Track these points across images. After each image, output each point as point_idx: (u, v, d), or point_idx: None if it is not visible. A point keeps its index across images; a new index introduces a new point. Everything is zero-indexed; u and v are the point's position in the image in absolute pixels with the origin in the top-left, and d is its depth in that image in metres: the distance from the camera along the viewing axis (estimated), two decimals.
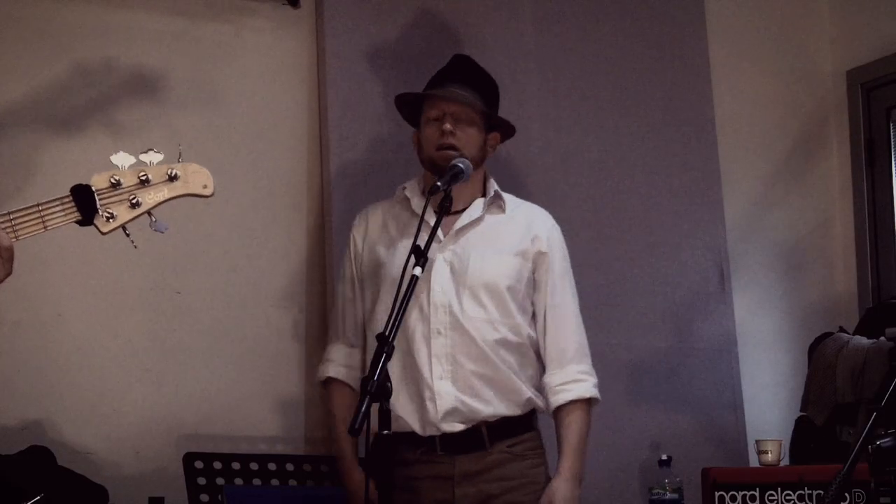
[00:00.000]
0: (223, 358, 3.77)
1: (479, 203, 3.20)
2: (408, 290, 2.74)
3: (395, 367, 3.09)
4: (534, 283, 3.18)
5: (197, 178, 2.52)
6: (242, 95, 3.89)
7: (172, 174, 2.48)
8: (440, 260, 3.13)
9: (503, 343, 3.11)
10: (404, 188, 3.24)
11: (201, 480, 3.12)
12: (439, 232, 3.09)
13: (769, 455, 3.88)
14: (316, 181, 3.94)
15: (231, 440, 3.69)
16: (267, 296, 3.85)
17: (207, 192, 2.54)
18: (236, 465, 3.16)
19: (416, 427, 3.08)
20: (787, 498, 3.61)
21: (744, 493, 3.64)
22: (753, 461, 4.08)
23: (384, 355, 2.61)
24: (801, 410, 4.17)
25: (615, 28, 4.37)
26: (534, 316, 3.19)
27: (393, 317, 2.70)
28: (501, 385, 3.10)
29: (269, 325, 3.85)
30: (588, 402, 3.16)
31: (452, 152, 3.10)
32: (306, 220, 3.94)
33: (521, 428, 3.14)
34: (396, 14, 4.04)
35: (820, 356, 4.12)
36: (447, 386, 3.07)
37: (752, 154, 4.64)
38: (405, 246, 2.98)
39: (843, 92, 4.73)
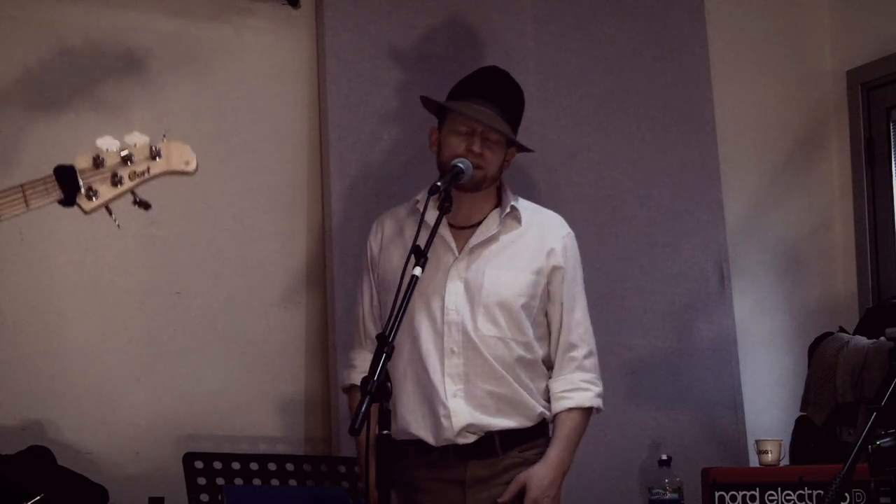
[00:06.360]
0: (223, 358, 3.77)
1: (494, 217, 3.19)
2: (407, 291, 2.75)
3: (405, 382, 3.14)
4: (548, 295, 3.19)
5: (179, 154, 2.50)
6: (242, 95, 3.88)
7: (155, 150, 2.47)
8: (455, 277, 3.14)
9: (516, 361, 3.12)
10: (417, 201, 3.23)
11: (201, 480, 3.12)
12: (454, 247, 3.15)
13: (769, 455, 3.88)
14: (316, 181, 3.94)
15: (231, 440, 3.69)
16: (267, 296, 3.85)
17: (190, 168, 2.52)
18: (236, 465, 3.16)
19: (430, 439, 3.11)
20: (787, 498, 3.61)
21: (744, 493, 3.64)
22: (753, 461, 4.08)
23: (384, 355, 2.61)
24: (801, 410, 4.17)
25: (615, 28, 4.37)
26: (547, 326, 3.20)
27: (393, 317, 2.70)
28: (515, 402, 3.12)
29: (269, 325, 3.85)
30: (588, 411, 3.18)
31: (479, 171, 3.12)
32: (306, 220, 3.94)
33: (533, 435, 3.15)
34: (396, 14, 4.04)
35: (820, 356, 4.12)
36: (461, 404, 3.09)
37: (752, 154, 4.64)
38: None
39: (843, 92, 4.73)
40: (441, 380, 3.09)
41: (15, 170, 3.45)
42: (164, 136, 2.49)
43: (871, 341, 4.03)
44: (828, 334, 4.21)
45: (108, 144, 2.44)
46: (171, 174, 2.51)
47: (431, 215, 3.01)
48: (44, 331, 3.58)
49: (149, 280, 3.71)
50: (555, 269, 3.18)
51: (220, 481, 3.12)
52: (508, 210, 3.20)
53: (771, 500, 3.62)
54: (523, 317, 3.14)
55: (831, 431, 4.03)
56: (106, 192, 2.44)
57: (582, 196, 4.19)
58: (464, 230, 3.19)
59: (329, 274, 3.87)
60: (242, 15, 3.90)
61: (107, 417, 3.61)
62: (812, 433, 4.09)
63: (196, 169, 2.53)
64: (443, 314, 3.11)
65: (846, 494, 3.50)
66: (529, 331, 3.15)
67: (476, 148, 3.11)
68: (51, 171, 2.41)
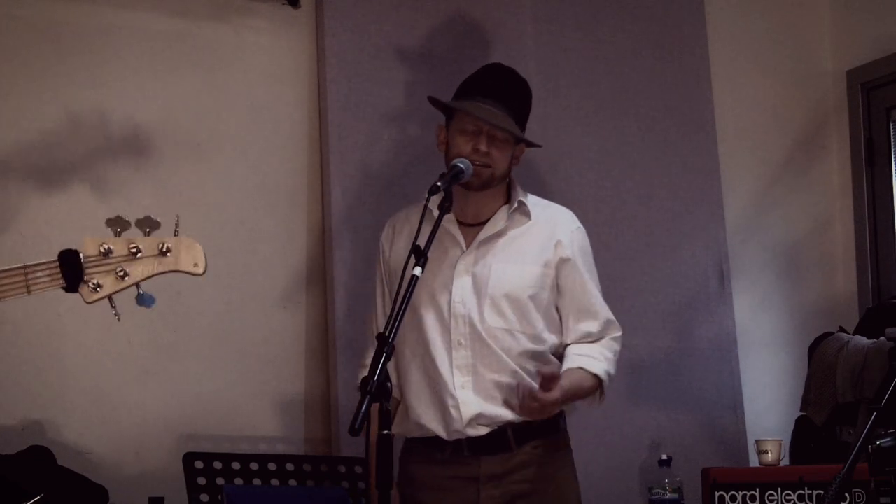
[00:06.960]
0: (223, 358, 3.77)
1: (502, 213, 3.20)
2: (408, 291, 2.75)
3: (414, 375, 3.15)
4: (558, 288, 3.19)
5: (189, 254, 2.45)
6: (242, 96, 3.89)
7: (164, 248, 2.43)
8: (462, 271, 3.15)
9: (523, 353, 3.12)
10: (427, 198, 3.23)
11: (201, 480, 3.12)
12: (462, 243, 3.16)
13: (769, 455, 3.88)
14: (316, 181, 3.95)
15: (231, 440, 3.69)
16: (267, 296, 3.85)
17: (198, 270, 2.47)
18: (236, 465, 3.16)
19: (442, 433, 3.11)
20: (787, 498, 3.61)
21: (744, 493, 3.64)
22: (753, 461, 4.08)
23: (384, 355, 2.61)
24: (801, 410, 4.17)
25: (615, 28, 4.37)
26: (560, 319, 3.20)
27: (393, 317, 2.71)
28: None
29: (269, 326, 3.85)
30: (595, 379, 3.11)
31: (486, 169, 3.12)
32: (306, 220, 3.94)
33: (546, 429, 3.13)
34: (396, 14, 4.04)
35: (820, 356, 4.12)
36: (469, 395, 3.09)
37: (752, 154, 4.64)
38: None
39: (843, 92, 4.73)
40: (449, 372, 3.10)
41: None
42: (176, 226, 2.44)
43: (871, 341, 4.03)
44: (828, 334, 4.21)
45: (117, 226, 2.40)
46: (177, 273, 2.48)
47: (447, 219, 3.04)
48: (44, 331, 3.58)
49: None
50: (562, 261, 3.18)
51: (220, 481, 3.12)
52: (516, 205, 3.21)
53: (771, 500, 3.62)
54: (532, 308, 3.13)
55: (831, 431, 4.03)
56: (110, 285, 2.42)
57: (582, 196, 4.19)
58: (473, 227, 3.20)
59: (329, 274, 3.87)
60: (242, 15, 3.90)
61: (107, 417, 3.61)
62: (812, 433, 4.09)
63: (205, 271, 2.48)
64: (450, 307, 3.12)
65: (846, 494, 3.51)
66: (539, 322, 3.14)
67: (483, 147, 3.12)
68: (55, 255, 2.38)
